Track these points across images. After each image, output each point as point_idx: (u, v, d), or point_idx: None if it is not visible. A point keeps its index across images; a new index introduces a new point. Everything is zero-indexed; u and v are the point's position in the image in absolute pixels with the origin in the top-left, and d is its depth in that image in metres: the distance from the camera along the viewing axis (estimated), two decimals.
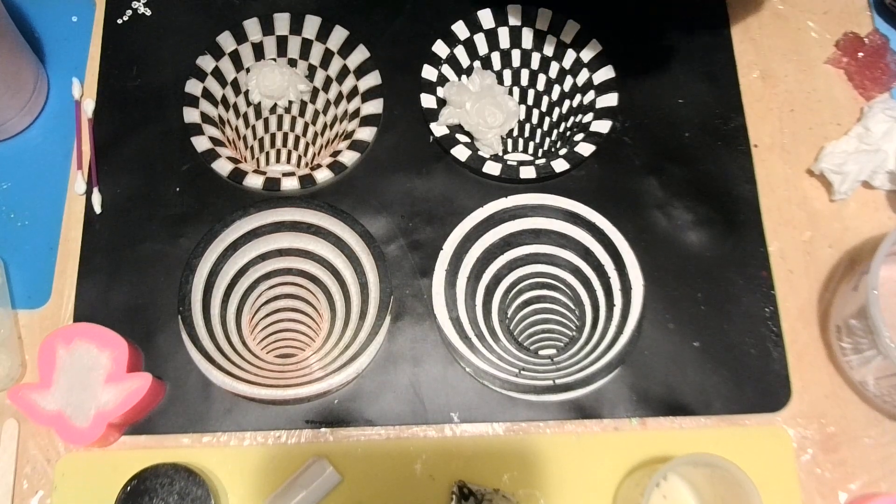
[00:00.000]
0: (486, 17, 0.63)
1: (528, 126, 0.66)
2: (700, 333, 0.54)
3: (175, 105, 0.61)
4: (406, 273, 0.56)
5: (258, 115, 0.66)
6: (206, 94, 0.62)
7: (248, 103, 0.65)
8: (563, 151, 0.60)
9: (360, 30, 0.63)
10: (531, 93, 0.65)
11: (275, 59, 0.64)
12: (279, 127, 0.67)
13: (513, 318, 0.58)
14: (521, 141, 0.66)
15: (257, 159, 0.66)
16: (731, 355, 0.54)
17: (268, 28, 0.64)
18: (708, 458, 0.46)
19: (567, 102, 0.64)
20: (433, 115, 0.61)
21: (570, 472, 0.52)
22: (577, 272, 0.58)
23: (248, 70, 0.64)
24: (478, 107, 0.60)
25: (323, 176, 0.59)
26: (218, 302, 0.57)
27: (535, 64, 0.64)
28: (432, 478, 0.51)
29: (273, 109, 0.66)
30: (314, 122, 0.66)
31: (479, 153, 0.59)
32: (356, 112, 0.62)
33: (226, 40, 0.63)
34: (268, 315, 0.59)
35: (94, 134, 0.61)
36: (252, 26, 0.64)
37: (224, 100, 0.64)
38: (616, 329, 0.55)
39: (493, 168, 0.58)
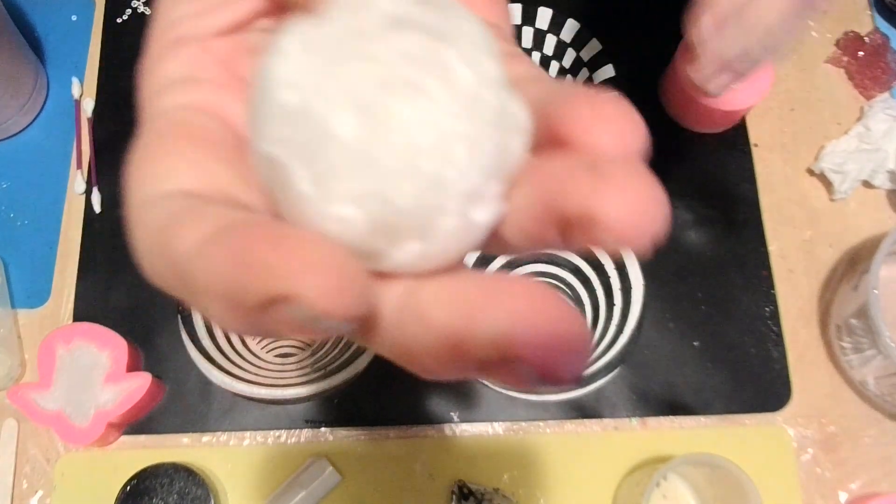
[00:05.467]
0: None
1: None
2: (700, 333, 0.54)
3: None
4: None
5: None
6: None
7: None
8: None
9: None
10: None
11: None
12: None
13: None
14: None
15: None
16: (732, 355, 0.54)
17: None
18: (708, 457, 0.46)
19: None
20: None
21: (570, 471, 0.51)
22: (577, 271, 0.58)
23: None
24: None
25: None
26: None
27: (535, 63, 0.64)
28: (432, 477, 0.51)
29: None
30: None
31: None
32: None
33: None
34: None
35: (94, 133, 0.61)
36: None
37: None
38: (616, 329, 0.55)
39: None
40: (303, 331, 0.13)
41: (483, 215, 0.15)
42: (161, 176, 0.16)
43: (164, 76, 0.18)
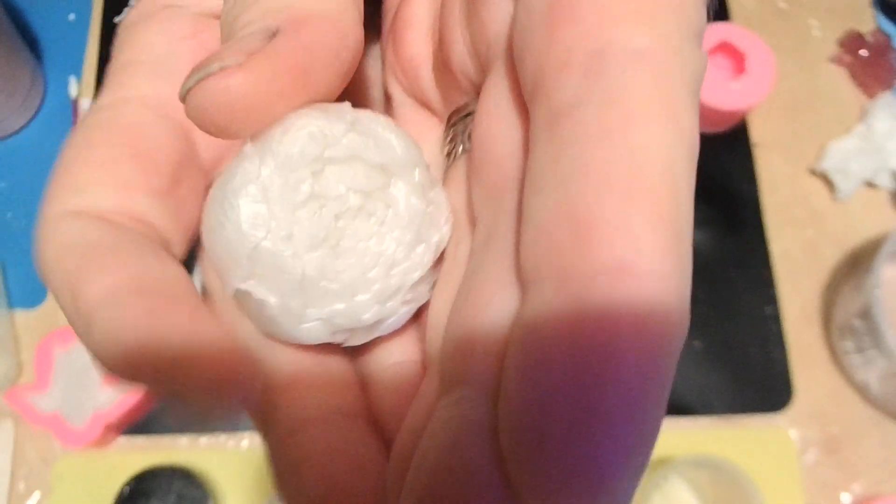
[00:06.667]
0: None
1: None
2: (701, 333, 0.54)
3: None
4: None
5: None
6: None
7: None
8: None
9: None
10: None
11: None
12: None
13: None
14: None
15: None
16: (733, 355, 0.54)
17: None
18: (710, 459, 0.46)
19: None
20: None
21: None
22: None
23: None
24: None
25: None
26: None
27: None
28: None
29: None
30: None
31: None
32: None
33: None
34: None
35: None
36: None
37: None
38: None
39: None
40: (187, 397, 0.14)
41: (415, 298, 0.17)
42: (80, 187, 0.15)
43: (145, 44, 0.17)
